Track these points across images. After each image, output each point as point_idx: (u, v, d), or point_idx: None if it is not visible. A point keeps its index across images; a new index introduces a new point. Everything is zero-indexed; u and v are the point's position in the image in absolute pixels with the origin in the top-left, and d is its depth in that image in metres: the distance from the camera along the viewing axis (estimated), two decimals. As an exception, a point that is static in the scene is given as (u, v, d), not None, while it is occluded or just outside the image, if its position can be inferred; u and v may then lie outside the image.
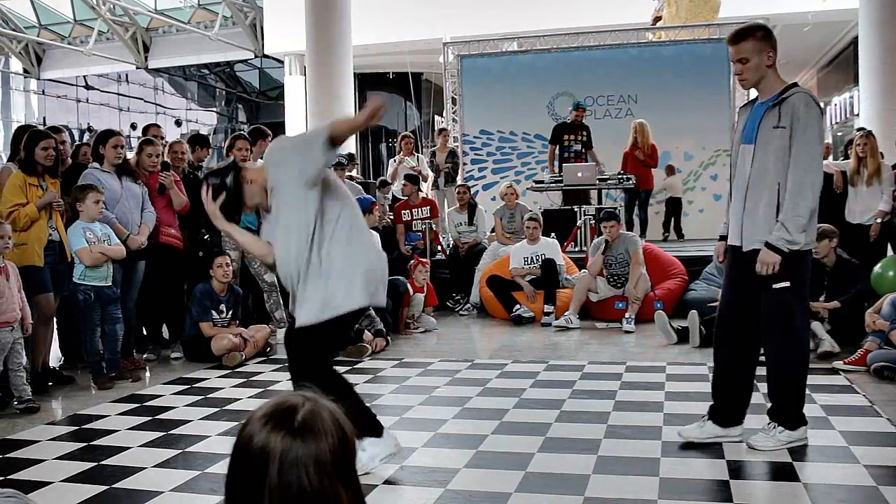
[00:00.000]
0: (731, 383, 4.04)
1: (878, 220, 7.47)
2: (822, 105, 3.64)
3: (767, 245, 3.72)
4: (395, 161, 11.82)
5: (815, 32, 19.37)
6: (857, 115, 15.88)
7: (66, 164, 6.49)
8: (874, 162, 7.56)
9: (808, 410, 4.50)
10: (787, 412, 3.88)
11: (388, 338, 7.03)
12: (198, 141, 8.01)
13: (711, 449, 3.88)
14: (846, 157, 8.13)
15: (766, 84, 3.82)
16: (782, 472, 3.53)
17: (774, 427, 3.86)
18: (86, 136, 27.96)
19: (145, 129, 7.63)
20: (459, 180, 11.61)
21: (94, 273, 5.63)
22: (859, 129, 8.49)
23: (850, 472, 3.52)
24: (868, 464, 3.59)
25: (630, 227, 10.43)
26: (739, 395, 4.04)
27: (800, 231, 3.67)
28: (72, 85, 29.85)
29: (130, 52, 25.09)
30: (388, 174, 12.22)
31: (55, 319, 6.07)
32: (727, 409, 4.03)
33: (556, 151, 10.89)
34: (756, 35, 3.76)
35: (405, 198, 9.76)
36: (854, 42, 15.91)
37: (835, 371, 5.50)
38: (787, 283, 3.75)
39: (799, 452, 3.77)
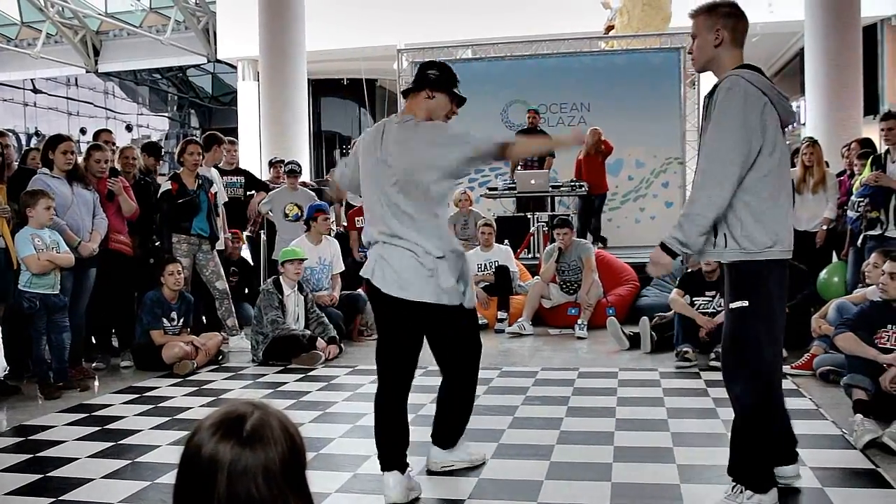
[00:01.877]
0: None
1: (824, 228, 7.63)
2: (763, 88, 3.08)
3: (661, 244, 3.23)
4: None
5: (762, 43, 19.65)
6: (804, 124, 16.20)
7: (10, 169, 6.36)
8: (819, 170, 7.72)
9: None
10: (750, 470, 3.16)
11: (342, 345, 7.00)
12: (150, 150, 7.95)
13: (663, 453, 3.92)
14: (793, 165, 8.28)
15: (716, 67, 3.27)
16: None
17: (740, 490, 3.14)
18: (33, 141, 27.47)
19: (96, 135, 7.51)
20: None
21: (41, 281, 5.52)
22: (805, 139, 8.67)
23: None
24: (814, 466, 3.66)
25: (583, 234, 10.50)
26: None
27: (692, 228, 3.11)
28: (19, 88, 29.27)
29: (80, 55, 24.66)
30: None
31: (0, 328, 5.94)
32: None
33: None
34: (711, 10, 3.26)
35: (359, 203, 9.74)
36: (800, 53, 16.24)
37: (782, 375, 5.59)
38: (744, 303, 3.15)
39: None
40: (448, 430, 3.80)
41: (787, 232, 3.16)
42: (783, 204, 3.16)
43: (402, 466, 3.47)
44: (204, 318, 7.53)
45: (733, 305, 3.21)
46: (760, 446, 3.17)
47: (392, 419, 3.53)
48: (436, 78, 3.69)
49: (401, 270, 3.52)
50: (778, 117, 3.13)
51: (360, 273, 3.75)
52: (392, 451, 3.47)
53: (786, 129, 3.25)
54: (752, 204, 3.09)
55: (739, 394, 3.22)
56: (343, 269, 7.98)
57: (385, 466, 3.46)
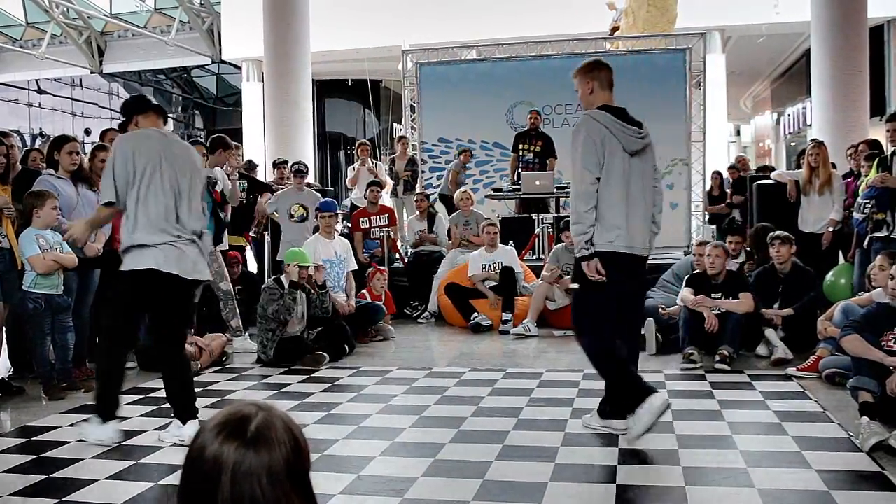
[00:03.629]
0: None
1: (830, 229, 7.61)
2: (603, 122, 4.22)
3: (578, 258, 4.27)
4: (354, 167, 11.79)
5: (768, 44, 19.71)
6: (810, 125, 16.17)
7: (15, 170, 6.36)
8: (826, 172, 7.70)
9: (762, 416, 4.60)
10: (609, 399, 4.32)
11: (347, 346, 6.99)
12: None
13: (668, 456, 3.91)
14: (799, 166, 8.27)
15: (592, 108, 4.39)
16: (737, 478, 3.57)
17: (592, 413, 4.40)
18: (38, 142, 27.50)
19: (102, 135, 7.51)
20: (418, 188, 11.60)
21: (46, 281, 5.52)
22: (811, 140, 8.65)
23: (802, 476, 3.57)
24: (820, 468, 3.64)
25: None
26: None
27: (579, 235, 4.15)
28: (23, 89, 29.32)
29: (85, 56, 24.70)
30: (347, 181, 12.18)
31: (4, 328, 5.94)
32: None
33: (517, 160, 10.97)
34: (581, 71, 4.50)
35: (364, 205, 9.75)
36: (806, 54, 16.21)
37: (788, 377, 5.58)
38: (576, 286, 4.35)
39: (753, 458, 3.81)
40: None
41: (622, 234, 4.19)
42: (617, 213, 4.18)
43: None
44: (208, 318, 7.52)
45: (572, 286, 4.46)
46: (609, 383, 4.31)
47: None
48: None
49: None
50: (620, 145, 4.22)
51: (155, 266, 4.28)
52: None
53: (634, 154, 4.28)
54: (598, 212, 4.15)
55: (585, 347, 4.33)
56: (356, 267, 7.99)
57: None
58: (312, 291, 6.93)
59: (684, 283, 6.79)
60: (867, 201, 6.77)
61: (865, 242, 6.78)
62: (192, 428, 4.24)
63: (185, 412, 4.37)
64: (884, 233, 6.60)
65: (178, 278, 4.31)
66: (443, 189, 11.80)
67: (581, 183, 4.16)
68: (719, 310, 6.35)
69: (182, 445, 4.16)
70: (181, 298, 4.45)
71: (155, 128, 4.53)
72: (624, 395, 4.14)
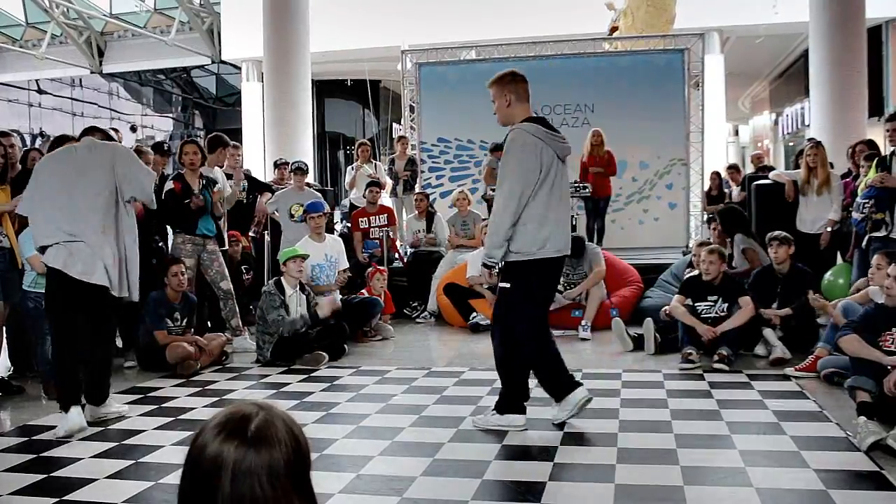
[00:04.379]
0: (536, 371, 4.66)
1: (829, 229, 7.61)
2: (537, 135, 4.29)
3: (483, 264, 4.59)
4: (352, 168, 11.79)
5: (766, 45, 19.72)
6: (808, 125, 16.18)
7: (15, 170, 6.36)
8: (824, 172, 7.71)
9: (761, 416, 4.61)
10: (500, 398, 4.54)
11: (346, 346, 6.99)
12: (156, 150, 7.97)
13: (666, 455, 3.92)
14: (797, 167, 8.28)
15: (512, 121, 4.45)
16: (735, 478, 3.58)
17: (491, 412, 4.52)
18: (38, 142, 27.51)
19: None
20: (418, 188, 11.60)
21: (44, 280, 5.51)
22: (809, 140, 8.66)
23: (800, 476, 3.58)
24: (818, 468, 3.65)
25: (591, 235, 10.55)
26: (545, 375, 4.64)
27: (495, 246, 4.33)
28: (23, 89, 29.32)
29: (85, 56, 24.70)
30: (345, 182, 12.17)
31: (4, 328, 5.95)
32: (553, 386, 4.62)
33: None
34: (499, 82, 4.49)
35: (363, 205, 9.76)
36: (805, 54, 16.21)
37: (786, 377, 5.59)
38: (507, 285, 4.45)
39: (751, 457, 3.82)
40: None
41: (555, 239, 4.35)
42: (550, 219, 4.33)
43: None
44: (208, 318, 7.53)
45: (501, 285, 4.49)
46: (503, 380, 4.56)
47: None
48: None
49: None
50: (554, 154, 4.33)
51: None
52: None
53: (564, 159, 4.45)
54: (526, 224, 4.29)
55: (496, 348, 4.59)
56: (347, 265, 7.99)
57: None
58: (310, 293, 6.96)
59: (679, 288, 6.79)
60: (866, 201, 6.77)
61: (864, 242, 6.79)
62: (67, 418, 4.56)
63: (70, 399, 4.63)
64: (883, 233, 6.61)
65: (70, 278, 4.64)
66: (486, 193, 11.63)
67: (511, 199, 4.26)
68: (717, 312, 6.35)
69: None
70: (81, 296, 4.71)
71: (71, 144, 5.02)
72: (517, 394, 4.51)
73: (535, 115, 4.51)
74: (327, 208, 8.45)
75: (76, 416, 4.56)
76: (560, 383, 4.54)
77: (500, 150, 11.45)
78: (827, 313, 5.93)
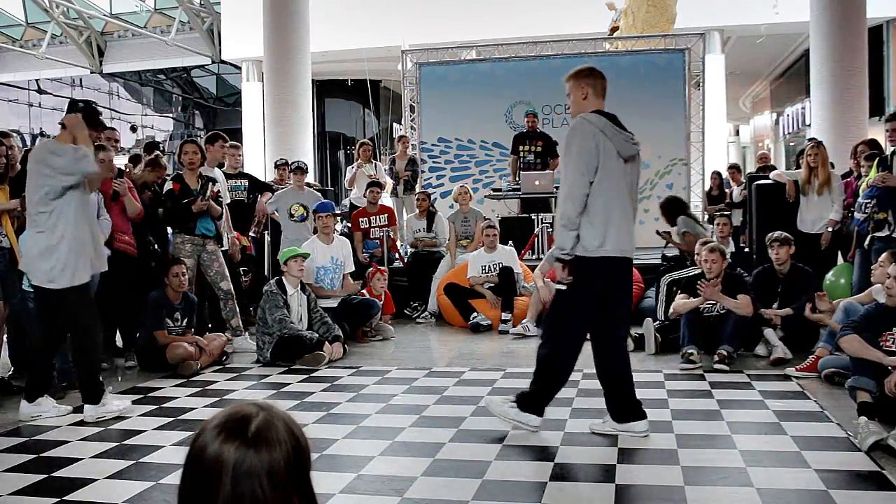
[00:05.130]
0: (605, 382, 4.40)
1: (829, 229, 7.60)
2: (598, 125, 4.19)
3: (556, 258, 4.29)
4: (352, 168, 11.79)
5: (767, 44, 19.70)
6: (809, 125, 16.17)
7: (15, 170, 6.35)
8: (824, 172, 7.70)
9: (761, 416, 4.60)
10: (528, 391, 4.36)
11: (346, 346, 6.99)
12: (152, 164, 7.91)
13: (667, 455, 3.92)
14: (798, 166, 8.27)
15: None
16: (736, 477, 3.58)
17: (511, 402, 4.38)
18: (38, 142, 27.48)
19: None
20: (418, 188, 11.60)
21: (46, 281, 5.51)
22: (810, 140, 8.65)
23: (801, 476, 3.57)
24: (819, 468, 3.65)
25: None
26: (616, 392, 4.35)
27: (565, 239, 4.14)
28: (24, 89, 29.31)
29: (85, 56, 24.70)
30: (346, 181, 12.17)
31: (4, 328, 5.94)
32: (616, 406, 4.33)
33: (518, 162, 10.99)
34: (576, 76, 4.48)
35: (364, 205, 9.75)
36: (806, 54, 16.21)
37: (787, 377, 5.59)
38: (563, 287, 4.28)
39: (752, 457, 3.82)
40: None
41: (616, 237, 4.16)
42: (612, 217, 4.16)
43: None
44: (209, 318, 7.53)
45: (557, 286, 4.32)
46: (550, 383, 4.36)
47: None
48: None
49: None
50: (616, 150, 4.18)
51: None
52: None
53: (627, 159, 4.26)
54: (588, 216, 4.14)
55: (541, 348, 4.39)
56: (353, 269, 8.00)
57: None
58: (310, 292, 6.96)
59: (681, 287, 6.79)
60: (868, 201, 6.77)
61: (866, 242, 6.78)
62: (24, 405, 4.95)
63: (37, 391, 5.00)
64: (885, 232, 6.61)
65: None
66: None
67: (574, 186, 4.14)
68: (718, 311, 6.35)
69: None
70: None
71: None
72: (544, 397, 4.36)
73: (605, 111, 4.38)
74: (336, 210, 8.46)
75: (47, 405, 5.02)
76: (625, 404, 4.31)
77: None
78: (825, 323, 5.90)
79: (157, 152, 7.96)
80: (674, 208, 8.64)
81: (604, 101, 4.42)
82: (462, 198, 9.81)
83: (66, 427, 4.76)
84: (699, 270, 6.61)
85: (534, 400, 4.34)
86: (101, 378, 5.09)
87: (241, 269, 8.25)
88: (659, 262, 8.72)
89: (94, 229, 5.21)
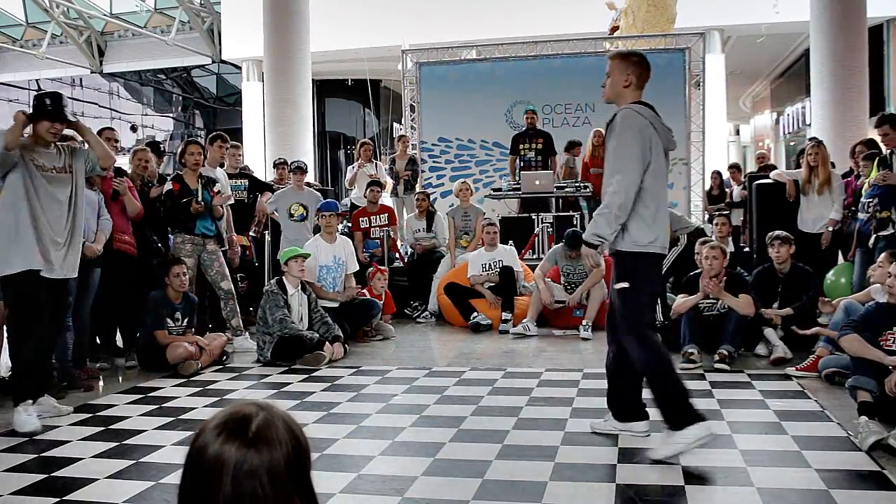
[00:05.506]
0: (612, 379, 4.29)
1: (830, 229, 7.60)
2: (648, 118, 4.01)
3: (584, 242, 4.08)
4: (353, 168, 11.78)
5: (768, 44, 19.69)
6: (809, 125, 16.17)
7: (16, 170, 6.35)
8: (825, 171, 7.70)
9: (762, 415, 4.60)
10: (665, 412, 3.91)
11: (346, 346, 6.99)
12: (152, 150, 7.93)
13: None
14: (798, 166, 8.27)
15: (620, 102, 4.12)
16: (736, 477, 3.58)
17: (667, 431, 3.87)
18: None
19: (98, 133, 7.50)
20: (418, 188, 11.60)
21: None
22: (810, 139, 8.65)
23: (802, 476, 3.57)
24: (819, 468, 3.65)
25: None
26: (621, 390, 4.27)
27: (606, 225, 3.92)
28: (24, 88, 29.30)
29: (85, 55, 24.69)
30: (346, 180, 12.16)
31: (5, 328, 5.94)
32: (619, 405, 4.27)
33: (517, 162, 10.99)
34: (626, 58, 4.16)
35: (364, 205, 9.76)
36: (806, 53, 16.20)
37: (787, 377, 5.59)
38: (625, 284, 4.00)
39: (752, 457, 3.82)
40: None
41: (664, 232, 4.05)
42: (661, 212, 4.02)
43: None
44: (209, 318, 7.52)
45: (617, 286, 4.04)
46: (660, 392, 3.93)
47: None
48: None
49: None
50: (661, 143, 4.02)
51: None
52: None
53: (667, 154, 4.16)
54: (639, 212, 3.95)
55: (636, 357, 4.01)
56: (357, 268, 8.00)
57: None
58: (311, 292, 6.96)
59: (682, 286, 6.79)
60: (870, 200, 6.77)
61: (871, 241, 6.77)
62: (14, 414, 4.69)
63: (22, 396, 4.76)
64: (889, 231, 6.61)
65: None
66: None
67: (630, 179, 3.91)
68: (719, 310, 6.35)
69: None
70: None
71: None
72: (683, 400, 3.88)
73: (644, 101, 4.16)
74: (341, 209, 8.46)
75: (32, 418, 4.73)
76: (628, 404, 4.25)
77: (574, 148, 11.46)
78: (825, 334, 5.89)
79: (142, 146, 7.91)
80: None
81: (641, 94, 4.19)
82: (463, 194, 9.82)
83: (67, 427, 4.76)
84: (699, 270, 6.61)
85: (678, 410, 3.86)
86: (28, 384, 4.80)
87: (238, 275, 8.23)
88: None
89: (55, 225, 4.87)
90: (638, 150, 3.93)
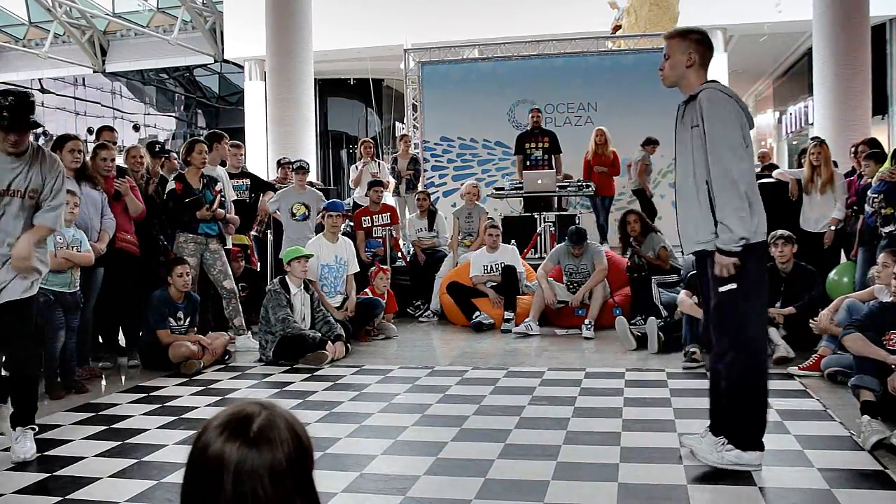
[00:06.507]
0: (716, 392, 3.82)
1: (832, 228, 7.59)
2: (733, 96, 3.63)
3: (718, 250, 3.56)
4: (356, 168, 11.78)
5: (770, 43, 19.68)
6: (812, 124, 16.15)
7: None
8: (827, 170, 7.69)
9: (764, 415, 4.57)
10: (736, 428, 3.62)
11: (348, 345, 6.99)
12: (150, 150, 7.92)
13: (670, 454, 3.91)
14: (800, 165, 8.26)
15: (685, 84, 3.75)
16: (739, 477, 3.56)
17: (723, 442, 3.61)
18: (41, 141, 27.50)
19: (98, 133, 7.52)
20: (420, 187, 11.60)
21: (57, 278, 5.50)
22: (813, 139, 8.64)
23: (804, 475, 3.57)
24: (822, 467, 3.65)
25: (601, 231, 10.63)
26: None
27: (741, 224, 3.49)
28: (26, 88, 29.31)
29: (87, 55, 24.72)
30: (351, 179, 12.17)
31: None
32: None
33: (524, 160, 11.00)
34: (686, 36, 3.74)
35: (366, 204, 9.76)
36: (808, 52, 16.21)
37: (790, 376, 5.58)
38: (733, 286, 3.55)
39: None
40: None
41: (762, 220, 3.62)
42: (756, 197, 3.61)
43: None
44: (211, 317, 7.52)
45: (723, 289, 3.59)
46: (742, 407, 3.61)
47: None
48: None
49: None
50: (748, 125, 3.66)
51: None
52: None
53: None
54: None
55: (730, 365, 3.63)
56: (358, 269, 7.99)
57: None
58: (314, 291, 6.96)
59: (684, 284, 6.78)
60: (876, 195, 6.76)
61: (884, 238, 6.74)
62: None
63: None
64: (892, 227, 6.59)
65: None
66: (635, 184, 11.50)
67: (739, 168, 3.51)
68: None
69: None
70: None
71: None
72: (752, 426, 3.62)
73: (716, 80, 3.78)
74: (346, 209, 8.45)
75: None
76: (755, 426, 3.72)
77: (651, 145, 11.44)
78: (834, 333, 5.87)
79: (137, 144, 7.88)
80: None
81: (706, 75, 3.78)
82: (469, 196, 9.82)
83: (68, 426, 4.76)
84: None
85: (749, 432, 3.61)
86: None
87: (239, 284, 8.19)
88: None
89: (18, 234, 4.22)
90: (739, 133, 3.56)
